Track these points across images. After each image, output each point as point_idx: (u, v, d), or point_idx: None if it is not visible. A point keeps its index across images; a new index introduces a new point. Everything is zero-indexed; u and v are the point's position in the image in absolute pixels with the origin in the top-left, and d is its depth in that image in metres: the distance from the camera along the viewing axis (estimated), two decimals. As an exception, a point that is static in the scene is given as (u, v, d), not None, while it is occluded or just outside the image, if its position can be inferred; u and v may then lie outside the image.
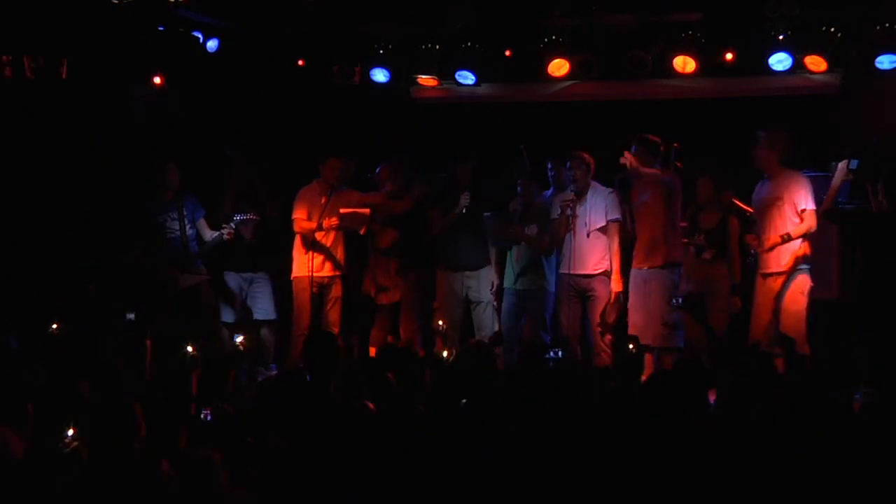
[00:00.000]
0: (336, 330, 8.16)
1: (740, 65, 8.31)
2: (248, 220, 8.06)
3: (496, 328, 8.10)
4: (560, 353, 6.40)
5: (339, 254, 8.33)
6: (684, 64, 8.22)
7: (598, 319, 7.81)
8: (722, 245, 7.80)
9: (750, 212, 7.76)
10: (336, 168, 8.27)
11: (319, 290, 8.25)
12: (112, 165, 8.61)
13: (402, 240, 8.27)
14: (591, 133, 8.63)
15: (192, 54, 8.80)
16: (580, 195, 7.88)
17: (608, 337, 7.78)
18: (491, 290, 8.13)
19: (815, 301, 7.61)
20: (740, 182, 7.94)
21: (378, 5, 8.73)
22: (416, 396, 5.30)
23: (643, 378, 7.10)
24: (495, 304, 8.12)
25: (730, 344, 7.56)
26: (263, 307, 8.40)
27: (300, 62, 9.07)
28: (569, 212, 7.77)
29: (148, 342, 7.54)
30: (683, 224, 7.89)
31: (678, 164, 7.97)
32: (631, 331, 7.66)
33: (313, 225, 8.14)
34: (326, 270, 8.26)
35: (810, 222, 7.31)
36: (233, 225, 8.00)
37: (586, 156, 7.92)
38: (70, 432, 4.35)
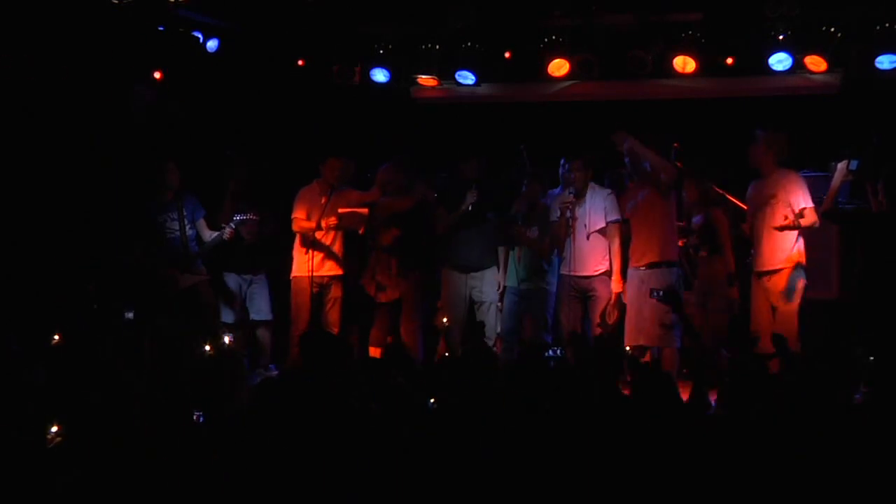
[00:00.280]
0: (335, 330, 8.17)
1: (740, 65, 8.32)
2: (248, 220, 8.07)
3: (499, 329, 8.10)
4: (560, 352, 6.40)
5: (339, 253, 8.33)
6: (684, 64, 8.23)
7: (598, 320, 7.82)
8: (713, 241, 7.79)
9: (744, 208, 7.77)
10: (336, 168, 8.27)
11: (319, 289, 8.25)
12: (112, 165, 8.61)
13: (403, 238, 8.27)
14: (591, 133, 8.63)
15: (192, 54, 8.80)
16: (579, 197, 7.88)
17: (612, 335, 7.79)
18: (497, 289, 8.14)
19: (815, 301, 7.63)
20: (740, 182, 7.93)
21: (378, 5, 8.74)
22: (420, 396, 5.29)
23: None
24: (499, 304, 8.13)
25: (729, 344, 7.55)
26: (260, 307, 8.40)
27: (300, 62, 9.07)
28: (568, 214, 7.78)
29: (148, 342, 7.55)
30: (681, 224, 7.90)
31: (678, 164, 7.97)
32: (628, 330, 7.67)
33: (312, 224, 8.14)
34: (326, 270, 8.26)
35: (812, 218, 7.32)
36: (233, 225, 8.00)
37: (586, 157, 7.92)
38: (54, 429, 4.36)
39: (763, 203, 7.45)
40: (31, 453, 4.29)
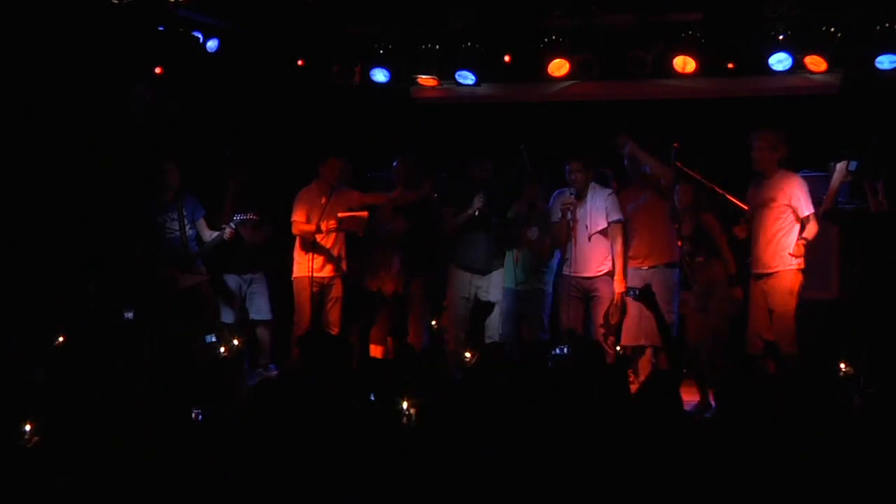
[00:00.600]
0: (336, 330, 8.17)
1: (740, 65, 8.32)
2: (248, 220, 8.07)
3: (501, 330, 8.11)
4: (565, 350, 6.39)
5: (339, 254, 8.33)
6: (684, 64, 8.22)
7: (601, 321, 7.80)
8: (708, 245, 7.77)
9: (745, 209, 7.76)
10: (336, 168, 8.27)
11: (320, 290, 8.25)
12: (112, 165, 8.61)
13: (408, 235, 8.28)
14: (591, 133, 8.63)
15: (192, 54, 8.80)
16: (580, 198, 7.87)
17: (611, 338, 7.78)
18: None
19: (815, 301, 7.62)
20: (739, 182, 7.93)
21: (378, 5, 8.73)
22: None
23: (641, 378, 7.14)
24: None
25: (728, 346, 7.56)
26: (260, 307, 8.41)
27: (300, 62, 9.07)
28: (569, 216, 7.77)
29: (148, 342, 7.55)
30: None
31: (678, 164, 7.97)
32: (627, 329, 7.67)
33: (312, 227, 8.13)
34: (327, 271, 8.26)
35: (815, 226, 7.30)
36: (233, 225, 8.01)
37: (586, 157, 7.91)
38: (27, 427, 4.36)
39: (762, 205, 7.43)
40: (31, 453, 4.29)
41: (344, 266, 8.35)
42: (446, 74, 8.79)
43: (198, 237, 8.26)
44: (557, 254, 8.02)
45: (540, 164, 8.13)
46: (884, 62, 7.78)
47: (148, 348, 7.48)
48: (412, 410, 4.84)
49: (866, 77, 8.01)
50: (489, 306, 7.95)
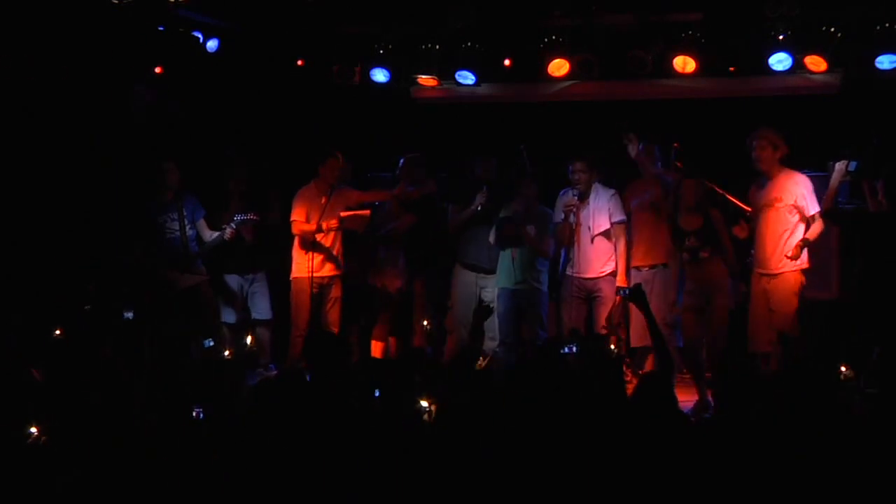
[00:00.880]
0: (336, 330, 8.17)
1: (740, 65, 8.31)
2: (249, 220, 8.07)
3: None
4: (575, 349, 6.38)
5: (339, 254, 8.33)
6: (684, 64, 8.22)
7: (603, 321, 7.79)
8: (714, 241, 7.75)
9: (746, 210, 7.75)
10: (336, 168, 8.27)
11: (319, 290, 8.25)
12: (112, 165, 8.61)
13: (411, 233, 8.29)
14: (591, 133, 8.63)
15: (192, 54, 8.80)
16: (583, 199, 7.86)
17: (613, 338, 7.77)
18: None
19: (815, 301, 7.61)
20: (738, 182, 7.93)
21: (378, 5, 8.73)
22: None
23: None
24: None
25: (728, 344, 7.55)
26: (261, 307, 8.41)
27: (300, 62, 9.07)
28: (571, 218, 7.77)
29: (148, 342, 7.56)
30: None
31: (678, 164, 7.97)
32: (635, 331, 7.66)
33: (312, 227, 8.13)
34: (326, 271, 8.26)
35: (820, 225, 7.30)
36: (233, 225, 8.01)
37: (589, 158, 7.91)
38: (33, 430, 4.36)
39: (767, 205, 7.42)
40: (31, 453, 4.29)
41: (344, 266, 8.35)
42: (446, 74, 8.79)
43: (198, 237, 8.26)
44: (557, 254, 8.02)
45: (540, 164, 8.14)
46: (884, 62, 7.78)
47: (148, 348, 7.49)
48: (432, 408, 4.86)
49: (866, 77, 8.01)
50: (488, 310, 7.95)
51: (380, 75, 8.91)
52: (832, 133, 8.06)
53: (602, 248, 7.87)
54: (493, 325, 8.05)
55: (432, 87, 8.99)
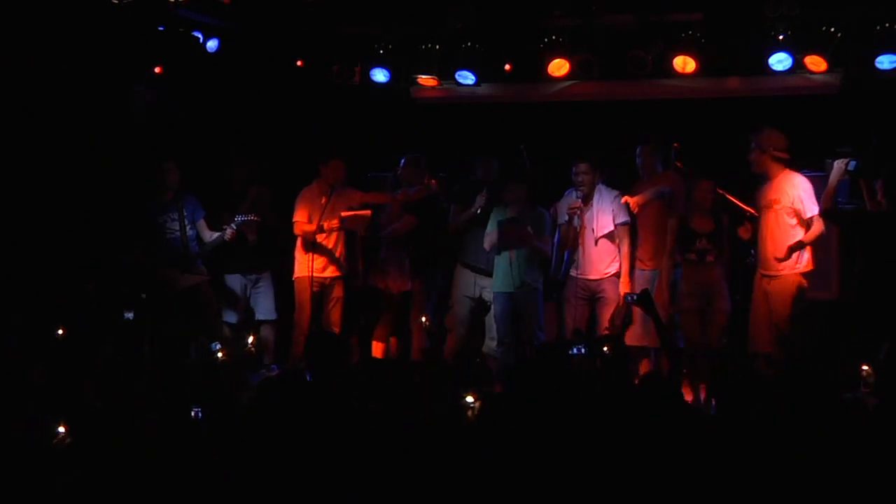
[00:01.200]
0: (337, 330, 8.18)
1: (740, 65, 8.31)
2: (250, 220, 8.06)
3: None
4: (583, 350, 6.37)
5: (340, 254, 8.33)
6: (684, 64, 8.22)
7: (606, 322, 7.77)
8: (722, 245, 7.74)
9: (750, 212, 7.75)
10: (339, 169, 8.27)
11: (321, 289, 8.24)
12: (112, 165, 8.61)
13: (415, 232, 8.30)
14: (591, 133, 8.63)
15: (192, 54, 8.79)
16: (586, 201, 7.85)
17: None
18: None
19: (815, 301, 7.61)
20: (740, 182, 7.93)
21: (378, 5, 8.73)
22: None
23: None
24: None
25: (728, 345, 7.56)
26: (265, 307, 8.41)
27: (300, 62, 9.07)
28: (576, 221, 7.75)
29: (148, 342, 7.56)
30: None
31: (678, 164, 7.97)
32: (631, 330, 7.66)
33: (313, 227, 8.13)
34: (328, 272, 8.26)
35: (819, 228, 7.29)
36: (234, 225, 8.00)
37: (593, 159, 7.90)
38: (61, 430, 4.36)
39: (766, 207, 7.42)
40: (31, 453, 4.29)
41: (345, 267, 8.35)
42: (446, 74, 8.79)
43: (198, 237, 8.25)
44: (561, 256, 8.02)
45: (540, 164, 8.13)
46: (884, 62, 7.77)
47: (148, 348, 7.49)
48: (477, 404, 4.88)
49: (866, 77, 8.00)
50: (486, 307, 7.95)
51: (380, 75, 8.91)
52: (832, 133, 8.06)
53: (606, 250, 7.86)
54: (492, 324, 8.05)
55: (432, 87, 8.99)
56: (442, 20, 8.61)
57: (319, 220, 8.12)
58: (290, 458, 4.21)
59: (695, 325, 7.57)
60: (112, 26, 8.29)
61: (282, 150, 9.10)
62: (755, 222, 7.58)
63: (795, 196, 7.31)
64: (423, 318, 8.10)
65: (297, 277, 8.28)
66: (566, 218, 7.86)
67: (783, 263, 7.32)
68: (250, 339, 7.90)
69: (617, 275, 7.84)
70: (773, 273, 7.38)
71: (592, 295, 7.88)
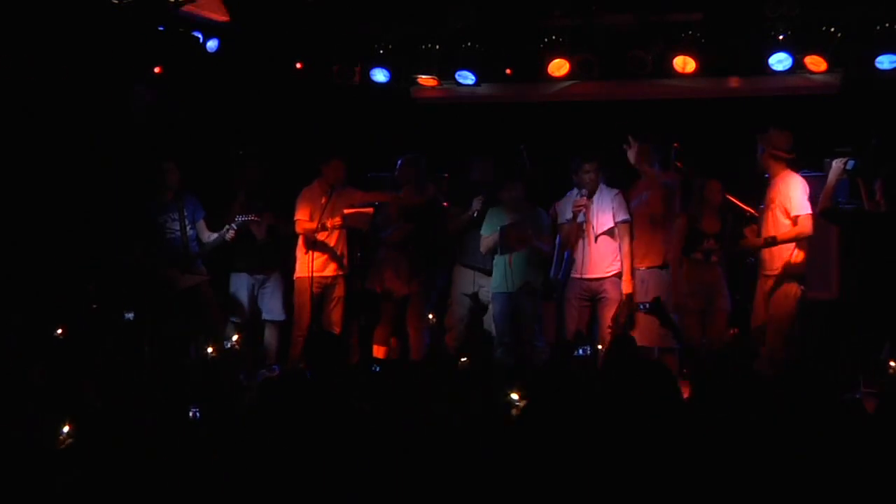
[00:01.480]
0: (337, 330, 8.18)
1: (740, 65, 8.31)
2: (251, 221, 8.05)
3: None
4: (588, 351, 6.36)
5: (342, 253, 8.32)
6: (684, 64, 8.22)
7: (609, 322, 7.74)
8: (725, 245, 7.74)
9: (750, 212, 7.75)
10: (340, 169, 8.27)
11: (322, 289, 8.24)
12: (112, 165, 8.61)
13: (414, 236, 8.30)
14: (591, 133, 8.63)
15: (192, 54, 8.79)
16: (589, 199, 7.85)
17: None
18: None
19: (815, 301, 7.61)
20: (741, 182, 7.93)
21: (378, 5, 8.73)
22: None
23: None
24: None
25: (728, 345, 7.56)
26: (272, 308, 8.40)
27: (300, 63, 9.07)
28: (581, 217, 7.74)
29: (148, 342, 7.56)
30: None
31: (678, 164, 7.97)
32: (638, 331, 7.66)
33: (314, 225, 8.13)
34: (329, 271, 8.26)
35: (802, 228, 7.25)
36: (234, 226, 8.00)
37: (601, 157, 7.89)
38: (65, 429, 4.37)
39: (766, 206, 7.44)
40: (31, 453, 4.29)
41: (346, 267, 8.35)
42: (446, 74, 8.79)
43: (198, 238, 8.25)
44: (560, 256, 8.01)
45: (540, 164, 8.13)
46: (884, 62, 7.78)
47: (148, 348, 7.49)
48: (521, 403, 4.86)
49: (866, 77, 8.01)
50: (482, 306, 7.95)
51: (380, 75, 8.91)
52: (832, 133, 8.06)
53: (606, 249, 7.84)
54: (491, 325, 8.05)
55: (432, 87, 8.99)
56: (442, 20, 8.62)
57: (320, 220, 8.12)
58: (290, 458, 4.21)
59: (695, 324, 7.58)
60: (112, 26, 8.28)
61: (282, 149, 9.09)
62: (756, 222, 7.59)
63: (786, 195, 7.32)
64: (431, 316, 8.07)
65: (298, 278, 8.28)
66: (568, 217, 7.85)
67: (778, 263, 7.32)
68: (234, 337, 7.89)
69: (618, 275, 7.83)
70: (769, 273, 7.38)
71: (594, 296, 7.86)
